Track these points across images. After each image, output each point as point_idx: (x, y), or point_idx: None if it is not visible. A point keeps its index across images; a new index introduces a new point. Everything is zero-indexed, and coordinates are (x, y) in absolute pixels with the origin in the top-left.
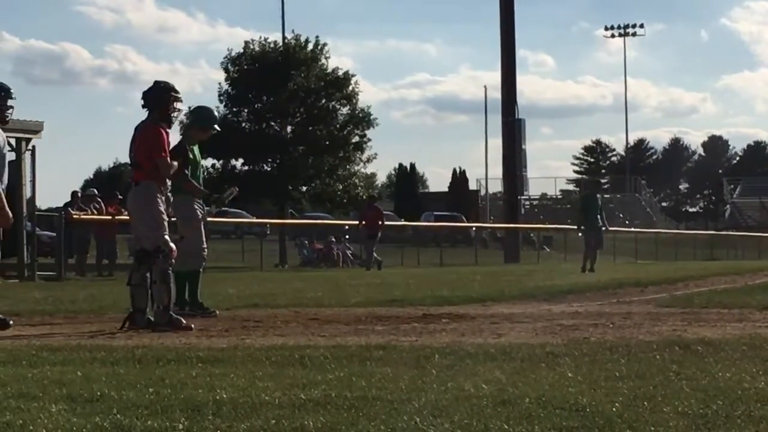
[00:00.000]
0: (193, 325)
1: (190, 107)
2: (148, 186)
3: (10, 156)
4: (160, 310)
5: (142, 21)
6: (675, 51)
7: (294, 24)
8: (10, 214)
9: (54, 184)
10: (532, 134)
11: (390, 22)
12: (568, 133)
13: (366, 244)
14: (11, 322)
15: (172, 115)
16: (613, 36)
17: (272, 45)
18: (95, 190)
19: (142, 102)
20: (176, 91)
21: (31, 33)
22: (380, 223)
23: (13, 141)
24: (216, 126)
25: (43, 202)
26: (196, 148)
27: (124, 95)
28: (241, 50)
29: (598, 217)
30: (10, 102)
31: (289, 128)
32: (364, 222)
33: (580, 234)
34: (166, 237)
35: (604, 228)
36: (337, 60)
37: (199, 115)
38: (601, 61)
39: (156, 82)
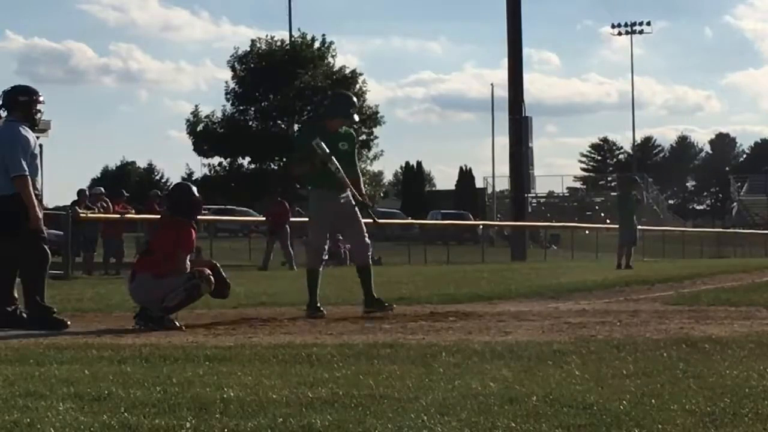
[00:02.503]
0: (183, 327)
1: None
2: (144, 277)
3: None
4: (161, 306)
5: (146, 19)
6: (679, 49)
7: (298, 22)
8: (41, 216)
9: (61, 182)
10: (536, 132)
11: (394, 20)
12: (573, 131)
13: (268, 239)
14: (69, 322)
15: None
16: (620, 34)
17: (279, 43)
18: (102, 189)
19: (172, 207)
20: (196, 195)
21: (35, 31)
22: (285, 220)
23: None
24: (354, 114)
25: (50, 201)
26: (338, 136)
27: (130, 94)
28: (248, 49)
29: (633, 216)
30: (39, 106)
31: (295, 126)
32: (268, 218)
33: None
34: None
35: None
36: (342, 58)
37: (338, 105)
38: (606, 58)
39: (189, 189)
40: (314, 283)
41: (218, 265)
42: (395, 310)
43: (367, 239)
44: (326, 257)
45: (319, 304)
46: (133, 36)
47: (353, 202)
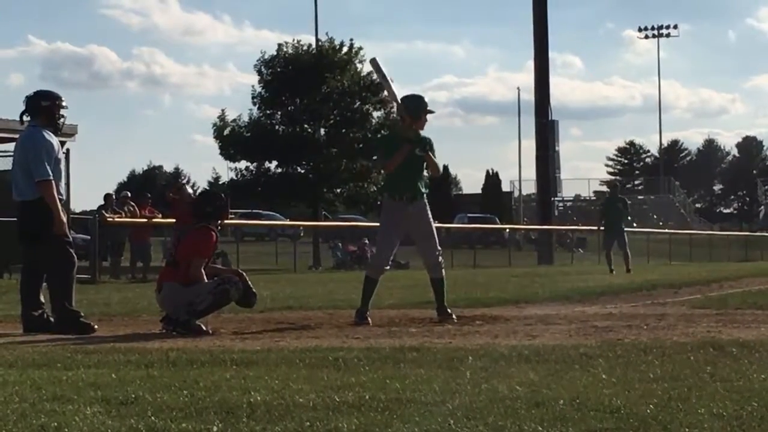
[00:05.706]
0: (210, 331)
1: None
2: (171, 286)
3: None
4: (189, 309)
5: (168, 23)
6: (703, 52)
7: (321, 26)
8: (65, 220)
9: (88, 186)
10: (562, 135)
11: (417, 24)
12: (598, 134)
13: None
14: (96, 326)
15: (221, 222)
16: (646, 37)
17: (306, 48)
18: (128, 193)
19: (197, 210)
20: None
21: (58, 36)
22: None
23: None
24: (423, 115)
25: (77, 205)
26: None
27: (155, 98)
28: (275, 53)
29: (620, 221)
30: (62, 111)
31: (322, 131)
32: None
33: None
34: (219, 288)
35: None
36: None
37: (411, 105)
38: (629, 62)
39: (218, 196)
40: (370, 291)
41: (244, 274)
42: (420, 314)
43: (438, 253)
44: (389, 267)
45: (368, 313)
46: (155, 40)
47: (428, 212)
